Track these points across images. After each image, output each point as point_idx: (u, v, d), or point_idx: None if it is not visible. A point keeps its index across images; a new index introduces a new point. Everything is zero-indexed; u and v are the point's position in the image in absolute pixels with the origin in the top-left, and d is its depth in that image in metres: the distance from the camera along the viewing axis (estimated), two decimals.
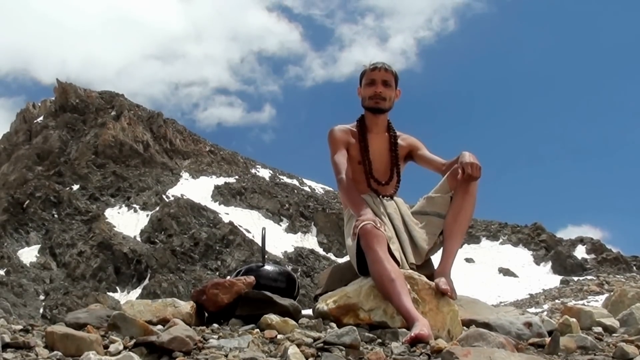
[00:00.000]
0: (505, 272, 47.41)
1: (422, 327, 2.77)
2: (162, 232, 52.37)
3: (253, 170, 75.37)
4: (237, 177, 68.51)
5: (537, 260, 50.23)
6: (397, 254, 3.34)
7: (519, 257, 51.36)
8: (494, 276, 46.40)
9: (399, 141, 3.92)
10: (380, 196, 3.72)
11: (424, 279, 3.27)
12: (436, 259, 3.63)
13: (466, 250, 53.92)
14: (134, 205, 57.84)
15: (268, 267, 3.45)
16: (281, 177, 75.10)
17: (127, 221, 55.11)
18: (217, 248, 50.21)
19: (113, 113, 70.56)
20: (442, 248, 3.56)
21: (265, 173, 75.17)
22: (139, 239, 52.43)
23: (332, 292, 3.32)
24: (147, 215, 55.59)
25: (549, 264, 48.82)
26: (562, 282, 37.32)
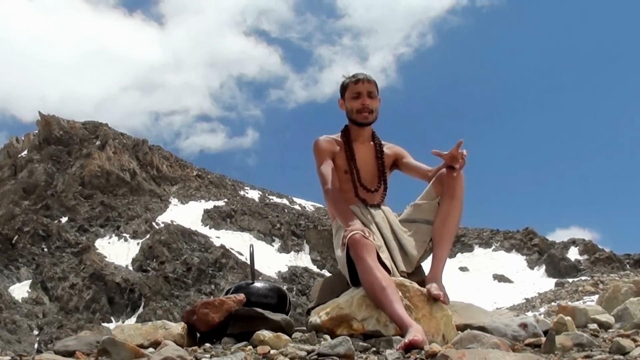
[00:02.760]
0: (500, 278, 47.57)
1: (415, 332, 2.75)
2: (154, 260, 52.14)
3: (242, 192, 75.31)
4: (226, 200, 68.42)
5: (531, 265, 50.44)
6: (388, 262, 3.32)
7: (513, 262, 51.57)
8: (489, 283, 46.55)
9: (385, 150, 3.92)
10: (368, 206, 3.71)
11: (416, 285, 3.26)
12: (427, 265, 3.62)
13: (460, 259, 54.05)
14: (124, 234, 57.60)
15: (258, 284, 3.42)
16: (270, 197, 75.10)
17: (118, 251, 54.85)
18: (210, 272, 50.03)
19: (98, 143, 70.40)
20: (432, 254, 3.55)
21: (254, 194, 75.12)
22: (130, 268, 52.16)
23: (324, 305, 3.30)
24: (138, 244, 55.35)
25: (543, 267, 49.06)
26: (557, 284, 37.46)
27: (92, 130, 74.43)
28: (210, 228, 60.05)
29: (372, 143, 3.90)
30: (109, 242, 56.77)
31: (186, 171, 76.88)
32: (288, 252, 58.18)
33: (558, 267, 47.35)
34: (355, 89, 3.81)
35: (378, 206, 3.74)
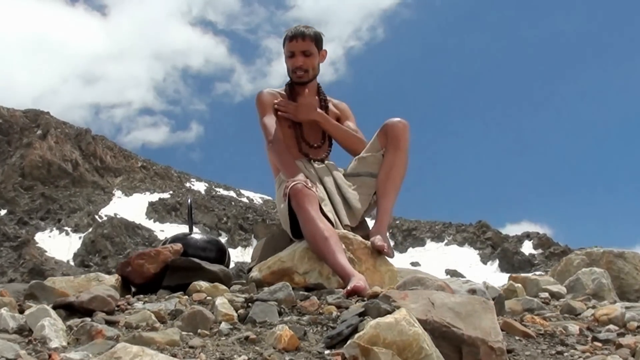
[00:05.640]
0: (453, 273, 47.93)
1: (358, 280, 2.68)
2: (96, 254, 51.22)
3: (187, 184, 74.47)
4: (171, 192, 67.58)
5: (484, 259, 50.88)
6: (331, 215, 3.26)
7: (466, 257, 51.95)
8: (442, 278, 46.80)
9: (330, 106, 3.85)
10: (312, 160, 3.63)
11: (359, 238, 3.21)
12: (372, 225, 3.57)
13: (411, 254, 54.42)
14: (66, 228, 56.39)
15: (196, 236, 3.32)
16: (217, 189, 74.43)
17: (59, 245, 53.66)
18: None
19: (39, 132, 68.52)
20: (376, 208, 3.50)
21: (200, 186, 74.32)
22: (72, 263, 51.09)
23: (266, 260, 3.22)
24: (80, 238, 54.29)
25: (496, 262, 49.47)
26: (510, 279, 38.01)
27: (33, 118, 72.42)
28: (154, 221, 59.26)
29: (317, 98, 3.82)
30: (50, 236, 55.49)
31: (130, 162, 75.58)
32: (235, 247, 57.79)
33: (512, 261, 47.75)
34: (290, 48, 3.70)
35: (322, 161, 3.67)
